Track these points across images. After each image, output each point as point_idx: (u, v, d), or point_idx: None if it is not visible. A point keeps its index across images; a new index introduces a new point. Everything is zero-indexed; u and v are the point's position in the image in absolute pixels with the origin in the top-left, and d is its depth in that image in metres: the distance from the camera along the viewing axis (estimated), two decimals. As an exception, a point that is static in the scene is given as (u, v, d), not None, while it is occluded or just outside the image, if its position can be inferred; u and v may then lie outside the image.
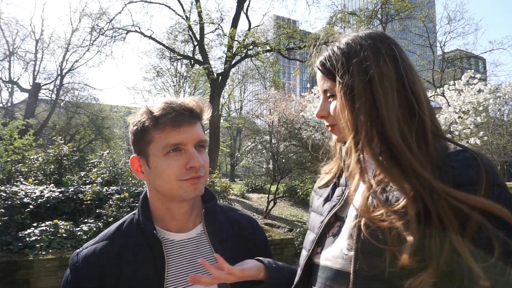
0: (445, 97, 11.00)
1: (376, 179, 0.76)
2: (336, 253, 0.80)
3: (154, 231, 0.90)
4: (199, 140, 0.90)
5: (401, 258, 0.67)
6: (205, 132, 0.97)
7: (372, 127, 0.76)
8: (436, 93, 11.49)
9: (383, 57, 0.78)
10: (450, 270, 0.65)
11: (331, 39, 0.90)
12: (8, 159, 7.18)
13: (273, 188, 10.15)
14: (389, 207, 0.71)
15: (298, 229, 7.79)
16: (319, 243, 0.87)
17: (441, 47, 27.34)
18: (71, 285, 0.89)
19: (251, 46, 13.57)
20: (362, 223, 0.75)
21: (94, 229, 4.88)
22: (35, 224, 4.72)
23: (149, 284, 0.87)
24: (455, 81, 12.04)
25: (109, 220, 4.98)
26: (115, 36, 14.30)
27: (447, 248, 0.65)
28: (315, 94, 13.24)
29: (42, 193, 5.48)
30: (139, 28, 14.34)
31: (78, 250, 0.95)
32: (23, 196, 5.24)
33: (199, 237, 0.97)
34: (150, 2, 14.70)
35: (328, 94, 0.87)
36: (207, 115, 0.95)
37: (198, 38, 14.02)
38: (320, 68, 0.88)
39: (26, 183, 6.03)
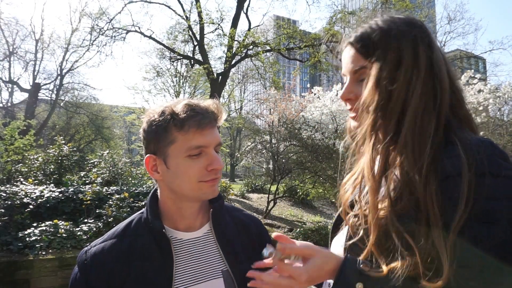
0: (445, 97, 10.99)
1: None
2: (341, 241, 0.84)
3: (163, 230, 0.91)
4: (219, 143, 0.93)
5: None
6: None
7: (392, 117, 0.74)
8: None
9: (418, 46, 0.76)
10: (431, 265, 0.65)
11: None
12: (8, 159, 7.18)
13: (273, 188, 10.15)
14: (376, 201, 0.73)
15: (298, 229, 7.79)
16: (334, 230, 0.90)
17: (441, 47, 27.32)
18: (79, 282, 0.90)
19: (251, 46, 13.55)
20: (347, 217, 0.79)
21: (94, 229, 4.87)
22: (35, 224, 4.72)
23: (157, 283, 0.88)
24: (455, 81, 12.04)
25: (109, 220, 4.97)
26: (115, 36, 14.29)
27: (430, 243, 0.65)
28: (315, 94, 13.24)
29: (42, 193, 5.48)
30: (139, 28, 14.33)
31: (86, 248, 0.95)
32: (23, 196, 5.24)
33: (205, 236, 0.99)
34: (150, 2, 14.68)
35: (359, 76, 0.82)
36: (223, 119, 0.98)
37: (198, 38, 14.01)
38: (356, 44, 0.81)
39: (26, 183, 6.03)
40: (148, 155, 0.93)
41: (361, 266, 0.70)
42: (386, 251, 0.69)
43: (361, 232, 0.75)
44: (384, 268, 0.68)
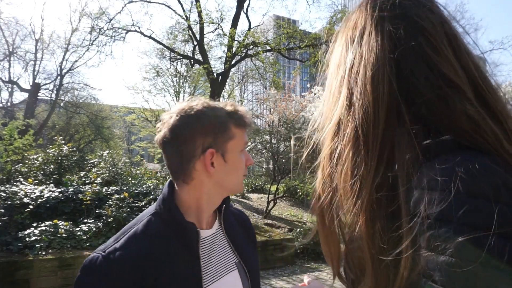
0: (445, 97, 11.00)
1: None
2: None
3: (197, 229, 0.90)
4: None
5: None
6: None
7: None
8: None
9: None
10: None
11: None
12: (8, 159, 7.18)
13: (273, 188, 10.15)
14: None
15: (298, 229, 7.79)
16: None
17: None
18: None
19: (251, 46, 13.55)
20: None
21: (94, 229, 4.87)
22: (35, 224, 4.72)
23: (188, 281, 0.87)
24: (455, 81, 12.04)
25: (109, 220, 4.97)
26: (114, 36, 14.29)
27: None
28: (315, 94, 13.24)
29: (42, 193, 5.48)
30: (139, 27, 14.34)
31: (102, 253, 0.83)
32: (23, 196, 5.24)
33: (217, 232, 1.03)
34: (150, 2, 14.68)
35: None
36: None
37: (198, 38, 14.01)
38: None
39: (26, 183, 6.02)
40: (209, 149, 0.90)
41: None
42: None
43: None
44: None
